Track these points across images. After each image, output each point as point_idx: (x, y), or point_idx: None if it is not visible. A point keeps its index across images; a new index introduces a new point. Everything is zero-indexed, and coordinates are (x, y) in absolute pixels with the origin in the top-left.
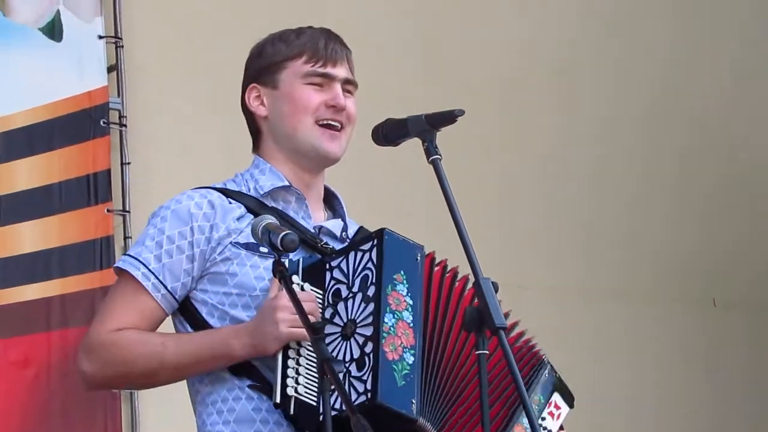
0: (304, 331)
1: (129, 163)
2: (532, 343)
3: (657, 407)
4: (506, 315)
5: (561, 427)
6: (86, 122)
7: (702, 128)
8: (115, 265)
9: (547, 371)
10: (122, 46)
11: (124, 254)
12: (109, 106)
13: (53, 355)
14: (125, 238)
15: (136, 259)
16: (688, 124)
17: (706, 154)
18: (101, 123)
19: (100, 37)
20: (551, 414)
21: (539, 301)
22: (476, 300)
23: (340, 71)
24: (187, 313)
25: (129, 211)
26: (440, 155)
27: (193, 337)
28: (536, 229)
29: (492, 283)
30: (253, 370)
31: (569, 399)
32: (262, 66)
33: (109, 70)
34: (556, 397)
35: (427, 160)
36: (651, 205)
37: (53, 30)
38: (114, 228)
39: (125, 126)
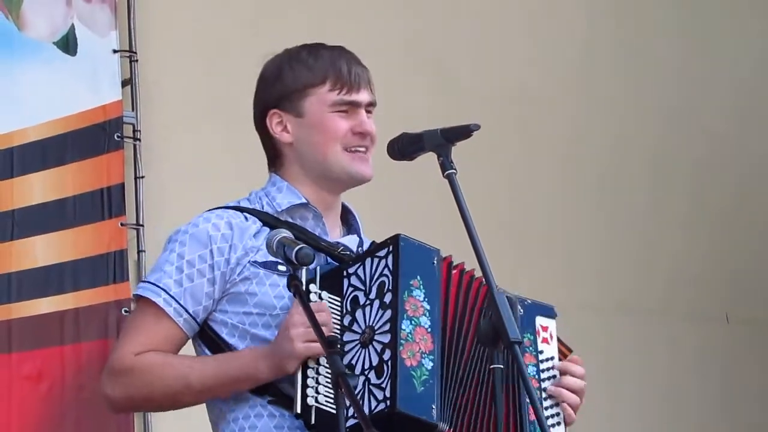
0: (316, 345)
1: (143, 177)
2: (478, 276)
3: (669, 423)
4: (453, 260)
5: (559, 340)
6: (100, 136)
7: (714, 144)
8: (134, 293)
9: (519, 306)
10: (137, 60)
11: (143, 281)
12: (123, 120)
13: (67, 369)
14: (139, 251)
15: (156, 285)
16: (700, 139)
17: (719, 169)
18: (115, 137)
19: (115, 51)
20: (545, 340)
21: None
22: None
23: (364, 96)
24: (205, 336)
25: (143, 225)
26: (455, 170)
27: (217, 359)
28: (549, 243)
29: (507, 297)
30: (272, 386)
31: (550, 312)
32: (284, 92)
33: (124, 84)
34: (540, 321)
35: (443, 174)
36: (664, 220)
37: (68, 44)
38: (128, 242)
39: (139, 140)
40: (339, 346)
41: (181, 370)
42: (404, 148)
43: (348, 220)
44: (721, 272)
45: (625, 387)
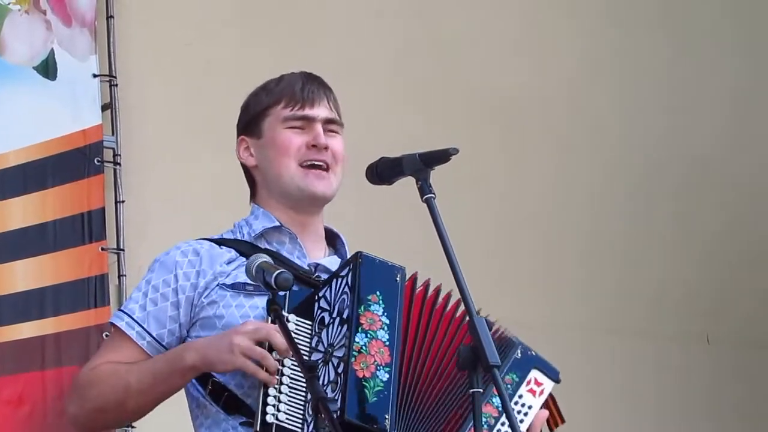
0: (253, 365)
1: (123, 202)
2: (497, 326)
3: None
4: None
5: (548, 399)
6: (81, 160)
7: (699, 170)
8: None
9: (519, 350)
10: (116, 85)
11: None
12: (103, 144)
13: (48, 393)
14: (119, 276)
15: (123, 311)
16: (685, 167)
17: (703, 195)
18: (95, 161)
19: (95, 76)
20: (532, 391)
21: (535, 337)
22: (470, 337)
23: (320, 111)
24: None
25: (123, 249)
26: (434, 194)
27: (154, 358)
28: (533, 266)
29: (486, 320)
30: (245, 408)
31: (552, 374)
32: (248, 118)
33: (104, 108)
34: (536, 374)
35: (421, 198)
36: (648, 243)
37: (48, 69)
38: (108, 266)
39: (119, 164)
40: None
41: (122, 375)
42: (383, 172)
43: (335, 245)
44: (704, 295)
45: (609, 406)
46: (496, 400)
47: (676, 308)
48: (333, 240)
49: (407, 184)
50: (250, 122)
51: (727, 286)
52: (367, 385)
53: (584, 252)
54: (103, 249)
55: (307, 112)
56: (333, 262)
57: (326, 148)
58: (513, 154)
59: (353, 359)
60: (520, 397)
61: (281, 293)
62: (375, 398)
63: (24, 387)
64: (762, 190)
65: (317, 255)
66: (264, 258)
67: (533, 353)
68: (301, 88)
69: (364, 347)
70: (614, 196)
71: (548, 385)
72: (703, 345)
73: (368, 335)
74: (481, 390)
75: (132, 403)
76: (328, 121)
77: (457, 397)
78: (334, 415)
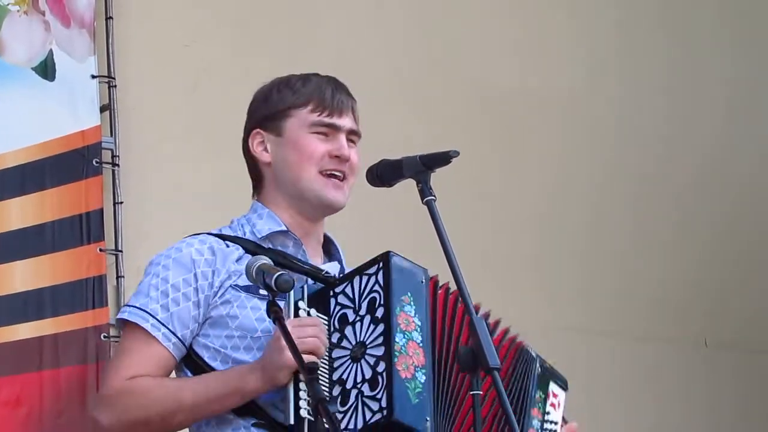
0: (310, 356)
1: (122, 203)
2: (512, 335)
3: None
4: (487, 315)
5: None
6: (79, 161)
7: (698, 171)
8: (119, 317)
9: (538, 364)
10: (115, 86)
11: (128, 305)
12: (102, 145)
13: (45, 394)
14: (118, 277)
15: (143, 310)
16: (684, 170)
17: (703, 195)
18: (94, 162)
19: (93, 77)
20: (553, 405)
21: (534, 340)
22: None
23: (346, 122)
24: (189, 359)
25: (121, 251)
26: (435, 196)
27: (207, 376)
28: (533, 268)
29: (486, 322)
30: (258, 410)
31: (563, 383)
32: (267, 112)
33: (102, 109)
34: (553, 387)
35: (422, 201)
36: (648, 246)
37: (46, 69)
38: (107, 267)
39: (118, 165)
40: (329, 365)
41: (172, 389)
42: (383, 174)
43: (330, 251)
44: (703, 297)
45: (608, 408)
46: (539, 405)
47: (676, 311)
48: (327, 245)
49: (407, 185)
50: (269, 117)
51: (727, 288)
52: (409, 386)
53: (584, 254)
54: (101, 250)
55: (335, 120)
56: (333, 268)
57: (348, 159)
58: (513, 155)
59: (396, 359)
60: (548, 414)
61: (299, 286)
62: (417, 399)
63: (22, 388)
64: (762, 190)
65: (316, 261)
66: (264, 260)
67: (547, 365)
68: (331, 95)
69: (403, 348)
70: (614, 197)
71: (562, 396)
72: (701, 348)
73: (405, 336)
74: (481, 392)
75: (181, 418)
76: (351, 132)
77: (486, 400)
78: (334, 418)
